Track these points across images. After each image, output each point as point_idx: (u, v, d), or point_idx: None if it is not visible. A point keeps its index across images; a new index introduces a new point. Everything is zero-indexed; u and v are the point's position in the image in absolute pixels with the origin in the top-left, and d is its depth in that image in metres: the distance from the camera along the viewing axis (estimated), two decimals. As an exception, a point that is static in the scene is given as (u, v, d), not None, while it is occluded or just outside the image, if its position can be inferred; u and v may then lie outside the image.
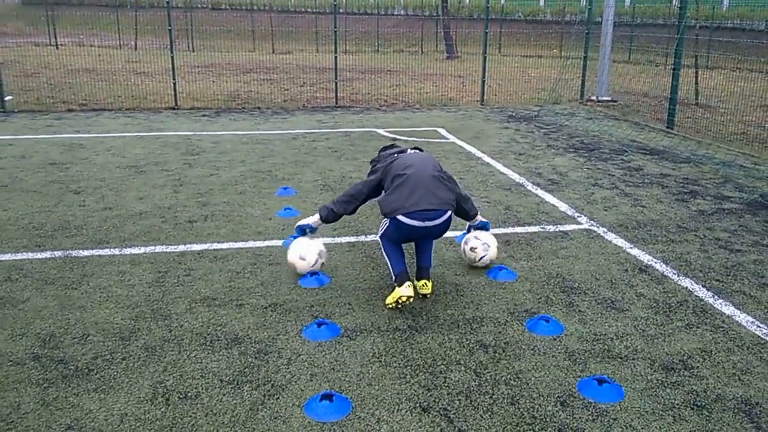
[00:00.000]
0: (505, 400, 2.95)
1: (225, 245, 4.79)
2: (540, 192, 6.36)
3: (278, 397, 2.95)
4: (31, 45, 21.58)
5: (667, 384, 3.10)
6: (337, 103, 12.11)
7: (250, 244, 4.84)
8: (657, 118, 10.74)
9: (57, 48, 21.85)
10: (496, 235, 5.07)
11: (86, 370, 3.13)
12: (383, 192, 4.01)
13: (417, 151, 4.24)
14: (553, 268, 4.47)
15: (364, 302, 3.91)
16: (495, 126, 10.14)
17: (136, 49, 22.63)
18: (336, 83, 12.28)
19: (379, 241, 4.00)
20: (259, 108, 11.62)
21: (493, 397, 2.98)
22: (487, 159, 7.78)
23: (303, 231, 4.28)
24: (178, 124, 9.77)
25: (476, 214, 4.36)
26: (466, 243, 4.44)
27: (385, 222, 3.90)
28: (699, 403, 2.95)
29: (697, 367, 3.26)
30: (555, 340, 3.50)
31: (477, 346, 3.42)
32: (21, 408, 2.84)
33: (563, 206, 5.90)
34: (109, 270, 4.31)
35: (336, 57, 12.22)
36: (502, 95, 13.65)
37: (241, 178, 6.68)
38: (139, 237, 4.93)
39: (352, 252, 4.71)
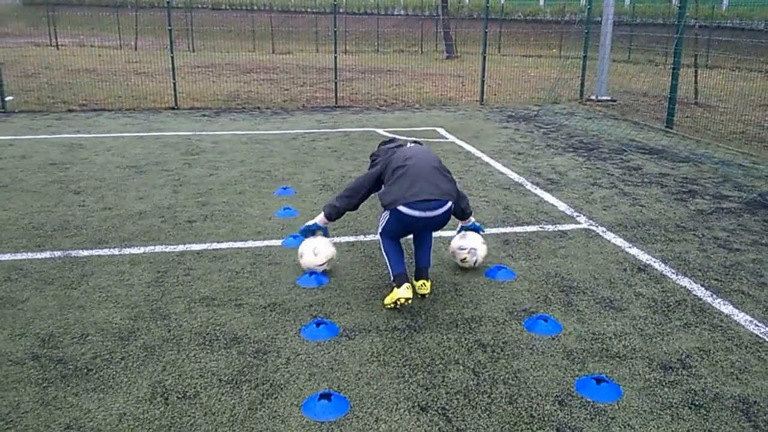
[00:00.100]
0: (504, 400, 2.96)
1: (224, 245, 4.80)
2: (539, 191, 6.37)
3: (277, 397, 2.95)
4: (32, 45, 21.61)
5: (665, 383, 3.11)
6: (336, 103, 12.12)
7: (250, 243, 4.85)
8: (656, 118, 10.74)
9: (57, 48, 21.88)
10: (495, 235, 5.09)
11: (85, 370, 3.13)
12: (383, 185, 4.01)
13: (416, 144, 4.24)
14: (552, 268, 4.47)
15: (362, 302, 3.91)
16: (494, 126, 10.14)
17: (136, 49, 22.65)
18: (336, 83, 12.29)
19: (379, 239, 3.99)
20: (258, 108, 11.63)
21: (492, 396, 2.99)
22: (486, 159, 7.79)
23: (312, 232, 4.30)
24: (177, 124, 9.78)
25: (470, 215, 4.36)
26: (454, 244, 4.43)
27: (385, 215, 3.89)
28: (697, 402, 2.96)
29: (696, 366, 3.26)
30: (553, 339, 3.51)
31: (475, 346, 3.42)
32: (20, 407, 2.84)
33: (562, 206, 5.91)
34: (109, 270, 4.32)
35: (336, 57, 12.23)
36: (501, 95, 13.66)
37: (241, 178, 6.69)
38: (138, 237, 4.94)
39: (351, 252, 4.71)
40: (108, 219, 5.34)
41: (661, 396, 3.00)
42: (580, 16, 19.72)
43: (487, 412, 2.86)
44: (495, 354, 3.35)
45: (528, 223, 5.40)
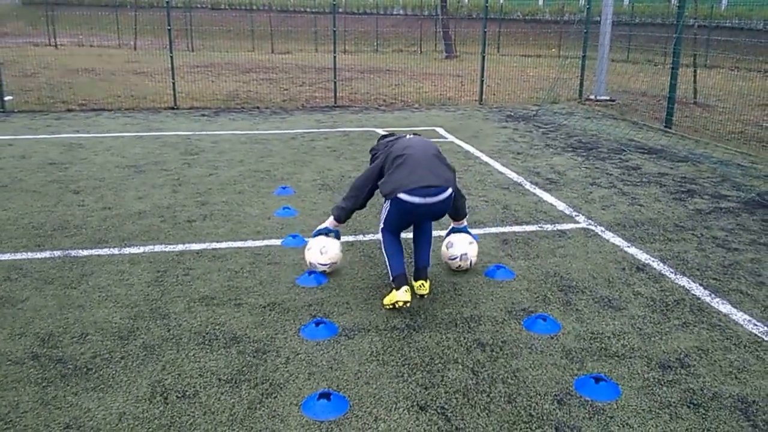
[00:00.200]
0: (503, 399, 2.97)
1: (224, 244, 4.81)
2: (538, 191, 6.38)
3: (276, 396, 2.96)
4: (31, 45, 21.59)
5: (664, 382, 3.11)
6: (335, 103, 12.12)
7: (249, 243, 4.85)
8: (655, 117, 10.75)
9: (56, 48, 21.89)
10: (494, 234, 5.10)
11: (85, 370, 3.14)
12: (384, 176, 3.97)
13: (415, 135, 4.24)
14: (551, 267, 4.48)
15: (362, 301, 3.92)
16: (493, 125, 10.15)
17: (135, 49, 22.64)
18: (335, 83, 12.29)
19: (381, 237, 3.99)
20: (258, 108, 11.63)
21: (491, 395, 2.99)
22: (485, 158, 7.79)
23: (325, 234, 4.30)
24: (177, 124, 9.78)
25: (464, 217, 4.36)
26: (444, 255, 4.40)
27: (386, 207, 3.88)
28: (695, 402, 2.97)
29: (694, 365, 3.27)
30: (552, 338, 3.52)
31: (474, 345, 3.43)
32: (20, 407, 2.85)
33: (561, 205, 5.91)
34: (108, 269, 4.32)
35: (335, 57, 12.23)
36: (500, 95, 13.66)
37: (240, 177, 6.70)
38: (138, 236, 4.94)
39: (351, 251, 4.72)
40: (107, 219, 5.34)
41: (659, 395, 3.01)
42: (579, 16, 19.73)
43: (486, 411, 2.87)
44: (494, 353, 3.35)
45: (527, 223, 5.41)
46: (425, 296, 3.91)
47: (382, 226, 3.97)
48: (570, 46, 16.44)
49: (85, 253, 4.61)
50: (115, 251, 4.65)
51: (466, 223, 4.44)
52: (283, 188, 6.27)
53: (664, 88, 10.96)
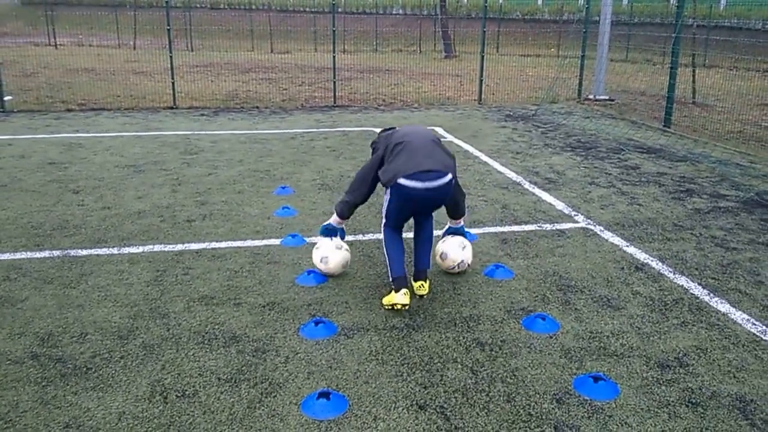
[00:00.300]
0: (502, 398, 2.97)
1: (223, 244, 4.81)
2: (537, 190, 6.38)
3: (275, 395, 2.96)
4: (31, 45, 21.59)
5: (663, 381, 3.12)
6: (335, 103, 12.12)
7: (248, 243, 4.86)
8: (654, 117, 10.76)
9: (56, 48, 21.86)
10: (493, 234, 5.11)
11: (84, 369, 3.14)
12: (384, 165, 3.94)
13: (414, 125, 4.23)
14: (550, 267, 4.49)
15: (361, 301, 3.92)
16: (492, 125, 10.16)
17: (134, 48, 22.64)
18: (334, 83, 12.29)
19: (383, 234, 3.97)
20: (257, 107, 11.63)
21: (490, 394, 3.00)
22: (484, 158, 7.80)
23: (333, 232, 4.29)
24: (176, 124, 9.78)
25: (462, 216, 4.34)
26: (441, 266, 4.36)
27: (387, 198, 3.87)
28: (694, 401, 2.97)
29: (693, 364, 3.28)
30: (551, 337, 3.52)
31: (474, 344, 3.43)
32: (19, 406, 2.85)
33: (560, 205, 5.92)
34: (108, 269, 4.33)
35: (334, 56, 12.23)
36: (499, 94, 13.67)
37: (240, 177, 6.70)
38: (137, 236, 4.94)
39: (350, 251, 4.71)
40: (107, 218, 5.34)
41: (658, 394, 3.02)
42: (578, 16, 19.74)
43: (486, 411, 2.88)
44: (493, 352, 3.36)
45: (526, 222, 5.42)
46: (425, 297, 3.91)
47: (383, 221, 3.96)
48: (569, 45, 16.45)
49: (85, 252, 4.62)
50: (115, 251, 4.65)
51: (462, 223, 4.43)
52: (283, 188, 6.27)
53: (662, 87, 10.97)
